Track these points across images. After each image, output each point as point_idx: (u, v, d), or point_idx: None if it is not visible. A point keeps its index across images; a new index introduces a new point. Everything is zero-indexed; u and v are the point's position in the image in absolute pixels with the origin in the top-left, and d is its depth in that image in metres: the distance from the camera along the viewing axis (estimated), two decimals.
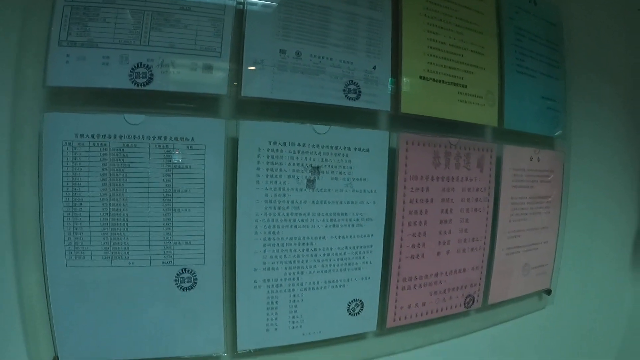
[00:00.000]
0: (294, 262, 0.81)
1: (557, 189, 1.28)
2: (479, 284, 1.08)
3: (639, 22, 1.71)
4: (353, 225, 0.85)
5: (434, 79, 0.94)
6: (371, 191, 0.86)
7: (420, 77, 0.92)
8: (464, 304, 1.06)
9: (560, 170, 1.29)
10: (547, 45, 1.22)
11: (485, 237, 1.07)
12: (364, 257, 0.87)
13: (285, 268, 0.80)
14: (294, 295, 0.82)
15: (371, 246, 0.87)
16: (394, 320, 0.95)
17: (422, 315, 0.99)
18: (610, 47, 1.62)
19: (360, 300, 0.88)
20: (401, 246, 0.91)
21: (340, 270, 0.85)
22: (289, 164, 0.78)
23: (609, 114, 1.60)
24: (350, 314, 0.88)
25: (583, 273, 1.57)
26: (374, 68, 0.86)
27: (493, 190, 1.06)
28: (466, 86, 0.99)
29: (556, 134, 1.27)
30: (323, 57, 0.81)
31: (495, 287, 1.12)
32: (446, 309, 1.03)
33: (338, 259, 0.84)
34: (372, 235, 0.87)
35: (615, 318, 1.81)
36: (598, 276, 1.66)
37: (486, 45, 1.05)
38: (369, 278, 0.88)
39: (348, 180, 0.83)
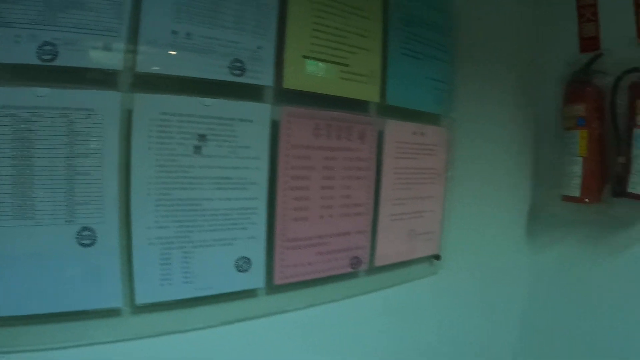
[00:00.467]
0: (184, 221, 1.03)
1: (443, 162, 1.60)
2: (365, 247, 1.38)
3: (531, 6, 2.12)
4: (238, 189, 1.10)
5: (316, 58, 1.22)
6: (254, 158, 1.11)
7: (304, 56, 1.19)
8: (350, 265, 1.39)
9: (446, 145, 1.61)
10: (436, 31, 1.53)
11: (368, 204, 1.37)
12: (249, 218, 1.12)
13: (176, 227, 1.03)
14: (185, 252, 1.04)
15: (256, 208, 1.13)
16: (282, 278, 1.21)
17: (309, 274, 1.27)
18: (503, 31, 1.97)
19: (248, 258, 1.15)
20: (284, 209, 1.19)
21: (227, 229, 1.09)
22: (178, 132, 1.01)
23: (501, 94, 1.96)
24: (238, 270, 1.15)
25: (477, 242, 1.92)
26: (259, 47, 1.14)
27: (375, 160, 1.37)
28: (349, 65, 1.29)
29: (442, 111, 1.61)
30: (211, 38, 1.04)
31: (382, 250, 1.43)
32: (333, 269, 1.32)
33: (224, 219, 1.08)
34: (256, 198, 1.12)
35: (515, 287, 2.20)
36: (493, 246, 2.03)
37: (371, 29, 1.33)
38: (254, 237, 1.13)
39: (232, 147, 1.07)
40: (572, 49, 2.08)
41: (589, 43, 2.08)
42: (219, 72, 1.05)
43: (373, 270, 1.43)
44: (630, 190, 1.86)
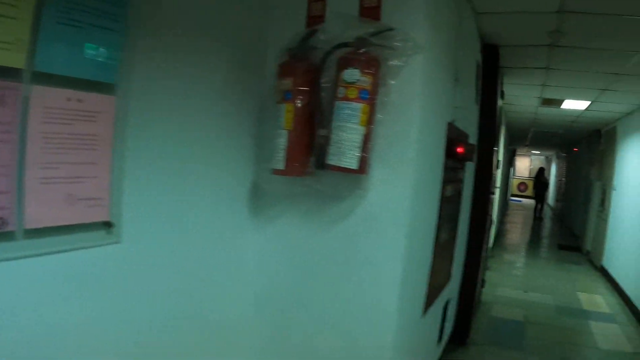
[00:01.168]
0: None
1: (108, 129, 2.07)
2: (10, 208, 1.74)
3: None
4: None
5: None
6: None
7: None
8: None
9: (111, 112, 2.10)
10: (104, 1, 2.08)
11: (11, 165, 1.76)
12: None
13: None
14: None
15: None
16: None
17: None
18: (223, 6, 2.58)
19: None
20: None
21: None
22: None
23: (219, 67, 2.62)
24: None
25: (183, 216, 2.49)
26: None
27: (19, 124, 1.80)
28: None
29: (111, 79, 2.10)
30: None
31: (32, 212, 1.82)
32: None
33: None
34: None
35: (244, 259, 2.89)
36: (208, 220, 2.61)
37: None
38: None
39: None
40: (302, 26, 2.78)
41: (315, 21, 2.76)
42: None
43: (29, 233, 1.88)
44: (328, 161, 2.46)
